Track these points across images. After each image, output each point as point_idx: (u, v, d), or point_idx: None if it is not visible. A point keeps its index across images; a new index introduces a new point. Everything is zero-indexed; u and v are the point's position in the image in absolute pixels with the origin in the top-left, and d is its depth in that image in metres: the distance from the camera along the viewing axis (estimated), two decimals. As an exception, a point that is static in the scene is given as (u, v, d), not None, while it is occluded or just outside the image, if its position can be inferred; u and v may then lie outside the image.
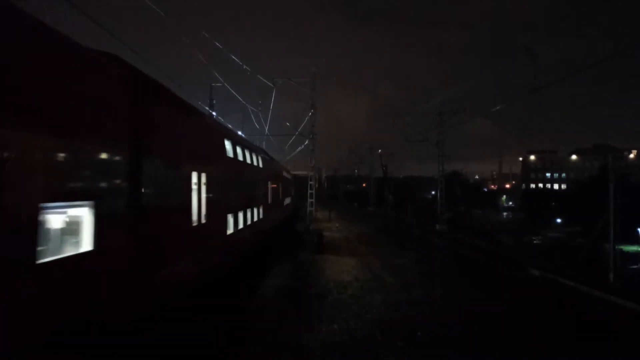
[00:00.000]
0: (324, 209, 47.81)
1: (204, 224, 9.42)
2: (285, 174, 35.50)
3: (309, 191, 37.06)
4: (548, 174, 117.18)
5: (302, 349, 8.49)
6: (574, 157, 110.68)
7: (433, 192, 74.33)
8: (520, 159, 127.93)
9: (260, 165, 18.75)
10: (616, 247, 22.19)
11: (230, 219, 12.15)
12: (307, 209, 36.92)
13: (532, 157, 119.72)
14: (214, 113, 30.53)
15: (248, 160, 15.76)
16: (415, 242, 26.85)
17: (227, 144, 12.58)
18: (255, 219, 16.54)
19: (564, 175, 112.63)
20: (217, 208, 10.62)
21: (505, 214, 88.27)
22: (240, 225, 13.58)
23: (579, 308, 12.69)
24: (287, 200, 35.48)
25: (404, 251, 21.98)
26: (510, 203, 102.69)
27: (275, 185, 24.25)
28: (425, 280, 14.87)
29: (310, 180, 37.35)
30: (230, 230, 12.15)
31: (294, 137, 38.80)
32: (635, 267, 30.72)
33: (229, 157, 12.65)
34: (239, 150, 14.02)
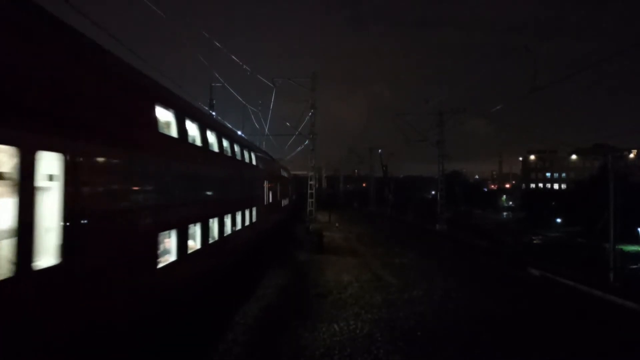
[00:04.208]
0: (324, 209, 47.79)
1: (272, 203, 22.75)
2: (287, 175, 39.15)
3: (309, 191, 37.07)
4: (548, 174, 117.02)
5: (303, 348, 8.50)
6: (574, 157, 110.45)
7: (433, 192, 74.22)
8: (520, 158, 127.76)
9: (285, 175, 33.62)
10: (616, 246, 22.17)
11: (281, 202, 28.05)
12: (307, 208, 36.94)
13: (532, 157, 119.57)
14: (213, 113, 30.51)
15: (281, 174, 29.96)
16: (415, 242, 26.85)
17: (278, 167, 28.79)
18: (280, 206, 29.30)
19: (564, 175, 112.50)
20: (274, 198, 23.74)
21: (505, 213, 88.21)
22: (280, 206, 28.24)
23: (579, 307, 12.69)
24: (293, 197, 45.86)
25: (404, 251, 21.99)
26: (510, 203, 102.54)
27: (286, 186, 35.58)
28: (425, 280, 14.87)
29: (311, 180, 37.35)
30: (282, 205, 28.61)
31: (294, 137, 38.91)
32: (635, 266, 30.67)
33: (280, 175, 25.85)
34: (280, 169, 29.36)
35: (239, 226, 13.91)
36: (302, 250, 21.43)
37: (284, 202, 31.59)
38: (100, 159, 5.50)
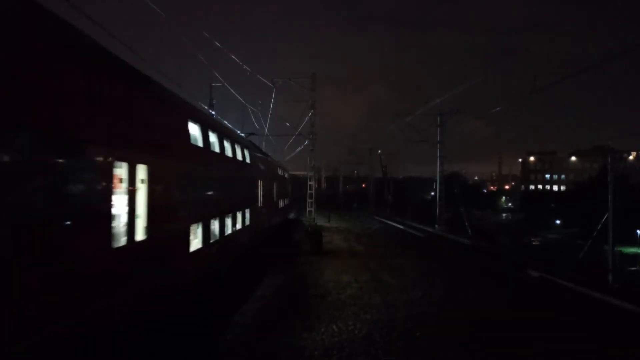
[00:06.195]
0: (324, 209, 47.81)
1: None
2: (286, 175, 38.74)
3: (309, 191, 37.06)
4: (547, 175, 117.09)
5: (302, 348, 8.49)
6: (573, 158, 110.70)
7: (432, 193, 74.17)
8: (520, 160, 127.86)
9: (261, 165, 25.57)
10: (615, 248, 22.16)
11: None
12: (306, 209, 36.92)
13: (532, 158, 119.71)
14: (213, 112, 30.50)
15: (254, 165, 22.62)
16: (414, 243, 26.86)
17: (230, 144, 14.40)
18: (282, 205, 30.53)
19: (563, 176, 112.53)
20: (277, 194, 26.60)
21: (504, 215, 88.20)
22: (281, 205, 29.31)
23: (578, 309, 12.70)
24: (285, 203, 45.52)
25: (403, 252, 21.99)
26: (510, 204, 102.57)
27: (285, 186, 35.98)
28: (425, 281, 14.87)
29: (310, 181, 37.34)
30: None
31: (294, 137, 38.87)
32: (634, 268, 30.72)
33: (225, 156, 13.27)
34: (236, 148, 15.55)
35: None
36: (301, 251, 21.43)
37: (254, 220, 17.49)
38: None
